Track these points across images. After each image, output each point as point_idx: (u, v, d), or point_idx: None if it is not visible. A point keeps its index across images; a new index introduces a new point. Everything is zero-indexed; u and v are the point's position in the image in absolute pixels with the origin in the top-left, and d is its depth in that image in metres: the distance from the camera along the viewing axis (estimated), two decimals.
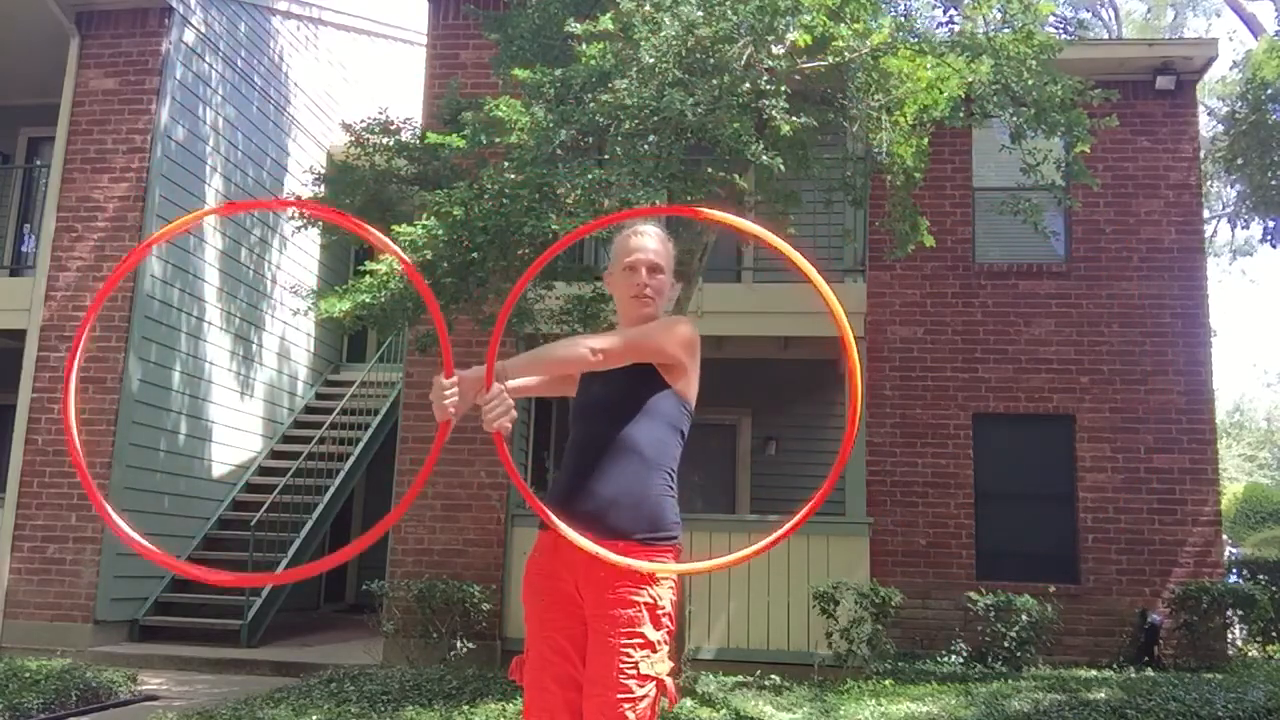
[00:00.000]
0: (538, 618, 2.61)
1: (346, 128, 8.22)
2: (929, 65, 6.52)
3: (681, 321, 2.72)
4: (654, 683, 2.47)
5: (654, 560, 2.52)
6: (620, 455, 2.58)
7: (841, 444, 2.22)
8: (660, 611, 2.53)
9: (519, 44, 7.72)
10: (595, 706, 2.45)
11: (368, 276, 6.63)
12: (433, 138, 7.17)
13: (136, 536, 2.18)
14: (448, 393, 2.32)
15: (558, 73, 6.55)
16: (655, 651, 2.50)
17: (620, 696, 2.43)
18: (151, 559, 2.25)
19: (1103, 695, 6.56)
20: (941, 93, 6.55)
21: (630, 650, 2.46)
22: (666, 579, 2.56)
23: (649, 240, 2.75)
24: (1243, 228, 19.85)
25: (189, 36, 10.44)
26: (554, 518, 2.38)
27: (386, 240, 2.38)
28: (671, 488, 2.64)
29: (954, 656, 8.61)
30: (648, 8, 6.22)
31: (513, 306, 2.53)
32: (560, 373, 2.66)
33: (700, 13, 6.12)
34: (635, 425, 2.59)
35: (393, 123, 8.10)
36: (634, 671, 2.45)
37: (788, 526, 2.32)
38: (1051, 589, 8.95)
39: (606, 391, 2.65)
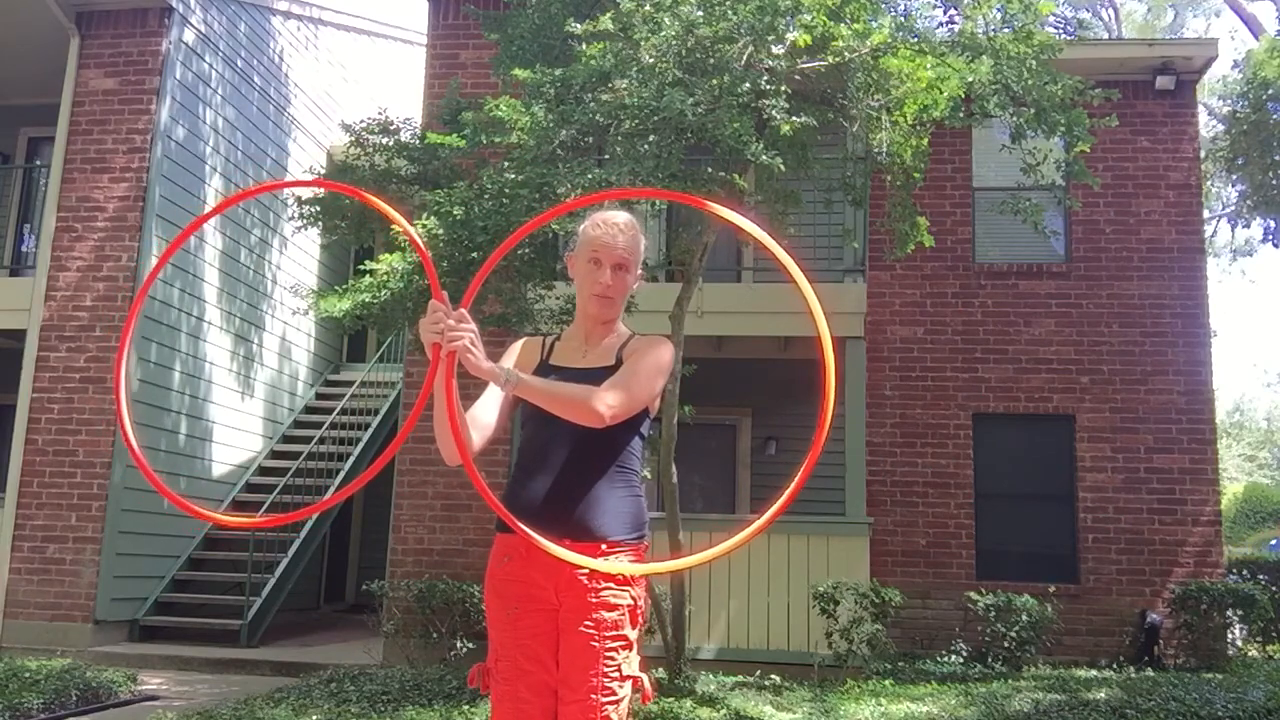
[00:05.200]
0: (509, 625, 2.50)
1: (346, 128, 8.22)
2: (929, 65, 6.52)
3: (664, 349, 2.60)
4: (631, 681, 2.45)
5: (626, 558, 2.49)
6: (596, 458, 2.51)
7: (810, 451, 2.08)
8: (639, 611, 2.51)
9: (519, 44, 7.72)
10: (578, 710, 2.39)
11: (368, 276, 6.64)
12: (433, 138, 7.17)
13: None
14: (439, 315, 2.22)
15: (558, 73, 6.55)
16: (633, 650, 2.48)
17: (605, 699, 2.39)
18: (196, 514, 2.41)
19: (1103, 695, 6.56)
20: (941, 93, 6.55)
21: (614, 653, 2.43)
22: (642, 578, 2.53)
23: (618, 234, 2.56)
24: (1243, 227, 19.85)
25: (189, 36, 10.44)
26: (525, 527, 2.23)
27: (391, 210, 2.34)
28: (641, 488, 2.61)
29: (954, 656, 8.62)
30: (648, 8, 6.22)
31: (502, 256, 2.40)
32: (564, 416, 2.42)
33: (700, 13, 6.12)
34: (607, 428, 2.45)
35: (392, 123, 8.10)
36: (617, 673, 2.42)
37: (752, 529, 2.18)
38: (1051, 589, 8.95)
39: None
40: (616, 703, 2.41)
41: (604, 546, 2.44)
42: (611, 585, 2.46)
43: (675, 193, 2.75)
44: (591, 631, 2.43)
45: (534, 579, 2.49)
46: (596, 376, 2.49)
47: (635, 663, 2.48)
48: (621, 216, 2.61)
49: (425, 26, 10.63)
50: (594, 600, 2.44)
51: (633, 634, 2.48)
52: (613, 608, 2.45)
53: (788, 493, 2.16)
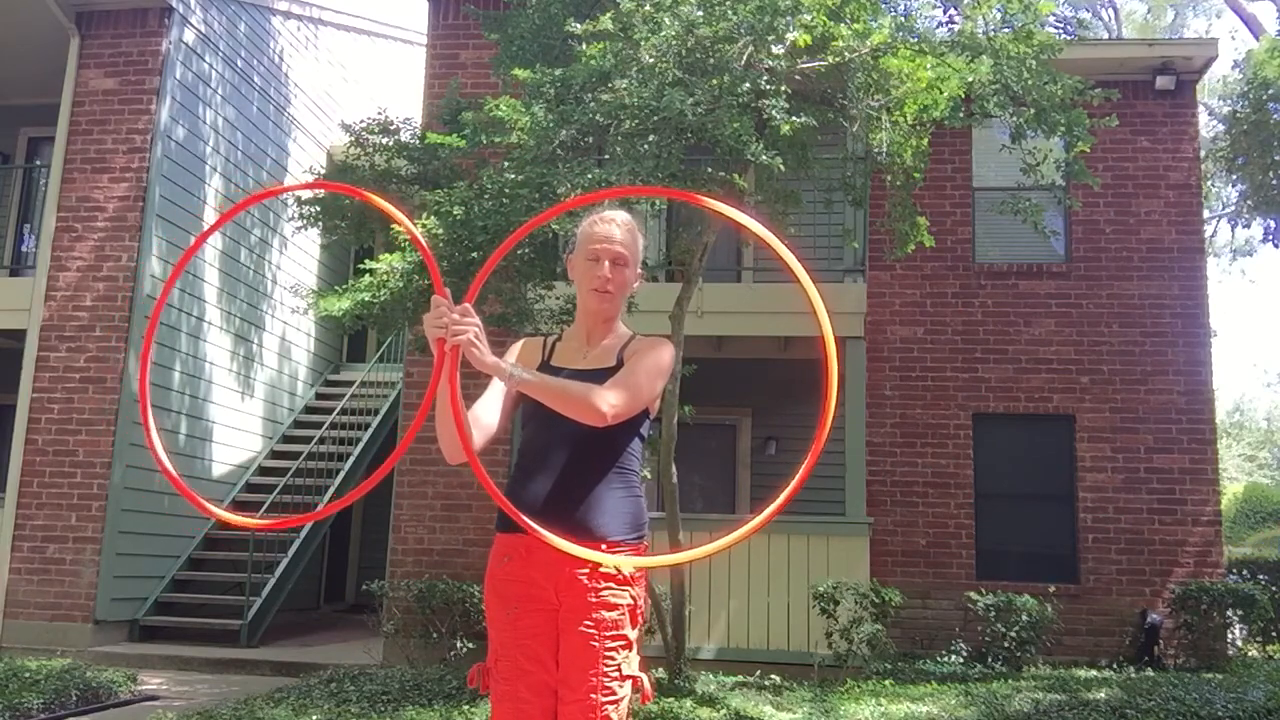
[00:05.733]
0: (509, 625, 2.50)
1: (346, 128, 8.22)
2: (929, 65, 6.52)
3: (665, 350, 2.61)
4: (631, 681, 2.46)
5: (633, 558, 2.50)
6: (596, 459, 2.51)
7: (811, 449, 2.12)
8: (639, 610, 2.52)
9: (519, 44, 7.72)
10: (578, 710, 2.39)
11: (368, 276, 6.63)
12: (433, 138, 7.17)
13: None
14: (445, 311, 2.21)
15: (558, 73, 6.55)
16: (633, 650, 2.49)
17: (605, 699, 2.39)
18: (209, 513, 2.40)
19: (1103, 695, 6.56)
20: (941, 93, 6.55)
21: (614, 653, 2.43)
22: (642, 578, 2.54)
23: (616, 230, 2.59)
24: (1244, 227, 19.86)
25: (189, 36, 10.44)
26: (532, 523, 2.22)
27: (392, 208, 2.34)
28: (641, 488, 2.62)
29: (954, 656, 8.62)
30: (648, 8, 6.22)
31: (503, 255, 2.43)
32: (566, 413, 2.42)
33: (700, 13, 6.12)
34: (607, 429, 2.47)
35: (392, 123, 8.11)
36: (617, 673, 2.42)
37: (753, 524, 2.18)
38: (1051, 589, 8.95)
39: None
40: (616, 702, 2.41)
41: (604, 547, 2.44)
42: (612, 585, 2.46)
43: (675, 190, 2.76)
44: (591, 631, 2.43)
45: (534, 579, 2.49)
46: (598, 377, 2.50)
47: (635, 662, 2.48)
48: (619, 215, 2.64)
49: (425, 26, 10.63)
50: (594, 600, 2.44)
51: (632, 634, 2.49)
52: (613, 607, 2.45)
53: (788, 491, 2.16)
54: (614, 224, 2.61)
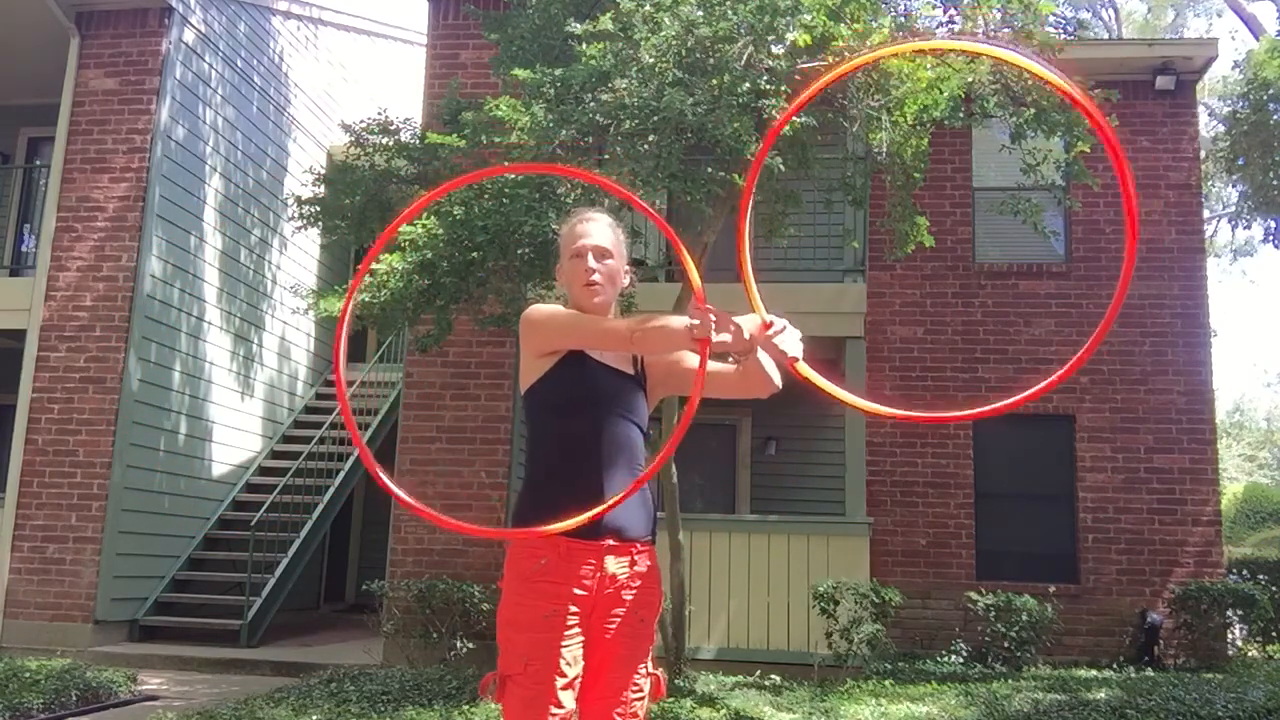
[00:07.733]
0: (545, 626, 2.43)
1: (346, 128, 8.23)
2: (929, 65, 6.52)
3: None
4: (651, 677, 2.53)
5: (649, 556, 2.56)
6: (640, 456, 2.56)
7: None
8: (661, 609, 2.61)
9: (519, 44, 7.72)
10: (608, 705, 2.45)
11: (368, 276, 6.63)
12: (433, 138, 7.17)
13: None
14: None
15: (558, 73, 6.54)
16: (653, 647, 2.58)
17: (634, 695, 2.47)
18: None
19: (1103, 695, 6.56)
20: (941, 93, 6.55)
21: (646, 649, 2.52)
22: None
23: (594, 226, 2.67)
24: (1244, 228, 19.83)
25: (189, 36, 10.44)
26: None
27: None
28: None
29: (954, 656, 8.62)
30: (648, 8, 6.22)
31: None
32: (769, 369, 2.73)
33: (700, 12, 6.13)
34: (640, 426, 2.57)
35: (392, 123, 8.10)
36: (645, 670, 2.51)
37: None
38: (1051, 589, 8.95)
39: (621, 387, 2.59)
40: (644, 697, 2.49)
41: (643, 543, 2.53)
42: (651, 584, 2.53)
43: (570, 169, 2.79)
44: (628, 628, 2.48)
45: (570, 578, 2.45)
46: (623, 378, 2.58)
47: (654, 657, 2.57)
48: (594, 212, 2.73)
49: (425, 26, 10.63)
50: (629, 598, 2.49)
51: (655, 631, 2.58)
52: (647, 605, 2.52)
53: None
54: (590, 221, 2.68)
